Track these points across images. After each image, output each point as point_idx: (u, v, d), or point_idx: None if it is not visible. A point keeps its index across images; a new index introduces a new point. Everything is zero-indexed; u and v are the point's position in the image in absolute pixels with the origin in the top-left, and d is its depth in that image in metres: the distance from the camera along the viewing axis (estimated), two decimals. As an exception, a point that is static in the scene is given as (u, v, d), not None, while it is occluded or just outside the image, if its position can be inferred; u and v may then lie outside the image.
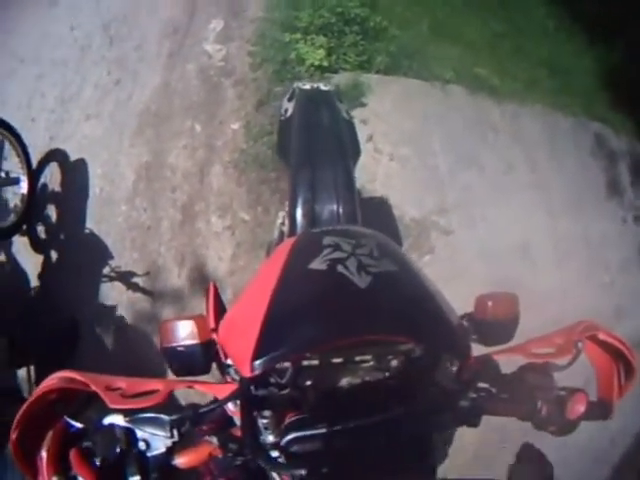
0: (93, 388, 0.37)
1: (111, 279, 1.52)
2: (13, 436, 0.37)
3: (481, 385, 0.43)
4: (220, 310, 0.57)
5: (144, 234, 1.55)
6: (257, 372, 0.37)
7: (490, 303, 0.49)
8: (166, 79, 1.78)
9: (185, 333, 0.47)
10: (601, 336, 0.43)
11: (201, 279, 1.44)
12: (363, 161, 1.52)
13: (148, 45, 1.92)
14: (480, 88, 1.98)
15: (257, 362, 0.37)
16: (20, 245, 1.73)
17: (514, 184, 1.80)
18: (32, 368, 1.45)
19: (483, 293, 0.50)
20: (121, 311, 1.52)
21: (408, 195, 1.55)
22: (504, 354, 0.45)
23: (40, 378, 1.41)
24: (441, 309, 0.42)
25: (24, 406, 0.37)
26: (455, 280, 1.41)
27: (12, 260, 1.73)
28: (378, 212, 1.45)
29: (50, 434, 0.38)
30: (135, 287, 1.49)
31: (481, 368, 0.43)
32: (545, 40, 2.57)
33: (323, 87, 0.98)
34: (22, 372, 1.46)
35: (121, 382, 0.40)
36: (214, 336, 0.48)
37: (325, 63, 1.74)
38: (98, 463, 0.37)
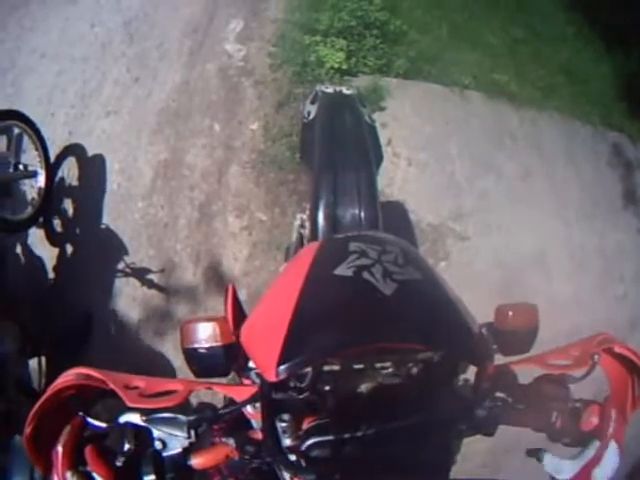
0: (111, 386, 0.37)
1: (126, 275, 1.53)
2: (27, 430, 0.37)
3: (498, 395, 0.43)
4: (238, 312, 0.57)
5: (161, 231, 1.55)
6: (282, 377, 0.37)
7: (510, 313, 0.49)
8: (186, 78, 1.79)
9: (207, 335, 0.46)
10: (617, 349, 0.43)
11: (216, 278, 1.44)
12: (382, 165, 1.52)
13: (169, 43, 1.93)
14: (499, 94, 1.97)
15: (282, 367, 0.37)
16: (37, 237, 1.75)
17: (531, 192, 1.78)
18: (43, 359, 1.46)
19: (504, 303, 0.50)
20: (135, 307, 1.53)
21: (425, 200, 1.54)
22: (521, 364, 0.45)
23: (51, 370, 1.42)
24: (462, 318, 0.42)
25: (39, 401, 0.37)
26: (470, 287, 1.40)
27: (28, 252, 1.75)
28: (395, 217, 1.44)
29: (67, 429, 0.38)
30: (150, 283, 1.50)
31: (498, 378, 0.43)
32: (564, 46, 2.54)
33: (346, 91, 0.98)
34: (33, 363, 1.47)
35: (139, 381, 0.39)
36: (235, 338, 0.48)
37: (345, 66, 1.74)
38: (114, 461, 0.37)
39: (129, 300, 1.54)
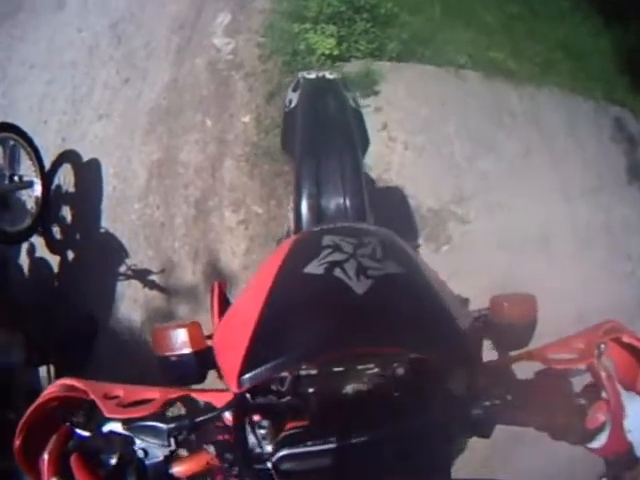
0: (92, 396, 0.37)
1: (127, 277, 1.53)
2: (17, 442, 0.37)
3: (495, 392, 0.39)
4: (225, 310, 0.54)
5: (158, 231, 1.55)
6: (245, 387, 0.35)
7: (506, 305, 0.46)
8: (175, 75, 1.77)
9: (178, 342, 0.45)
10: (625, 338, 0.39)
11: (215, 275, 1.43)
12: (378, 150, 1.49)
13: (156, 42, 1.91)
14: (495, 72, 1.92)
15: (244, 377, 0.35)
16: (40, 245, 1.75)
17: (533, 170, 1.74)
18: (52, 367, 1.46)
19: (499, 294, 0.47)
20: (137, 309, 1.53)
21: (424, 184, 1.51)
22: (520, 359, 0.42)
23: (59, 377, 1.42)
24: (448, 316, 0.39)
25: (26, 413, 0.38)
26: (473, 271, 1.37)
27: (31, 260, 1.75)
28: (394, 203, 1.42)
29: (54, 438, 0.38)
30: (151, 284, 1.49)
31: (495, 374, 0.41)
32: (561, 22, 2.47)
33: (329, 75, 0.93)
34: (42, 371, 1.47)
35: (119, 390, 0.39)
36: (209, 343, 0.46)
37: (336, 52, 1.71)
38: (98, 470, 0.37)
39: (131, 302, 1.54)
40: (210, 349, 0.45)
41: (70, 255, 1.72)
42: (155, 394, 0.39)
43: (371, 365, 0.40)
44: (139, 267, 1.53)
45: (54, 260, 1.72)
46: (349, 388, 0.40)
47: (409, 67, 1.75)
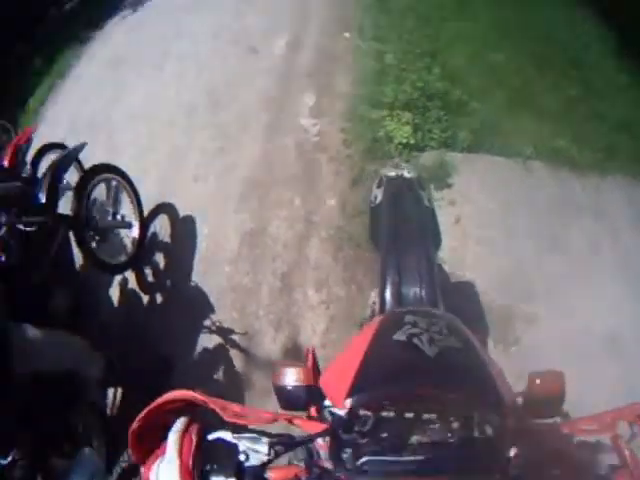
0: (212, 406, 0.47)
1: (211, 331, 1.66)
2: (135, 426, 0.48)
3: (530, 456, 0.48)
4: (316, 368, 0.71)
5: (244, 296, 1.67)
6: (349, 406, 0.50)
7: (538, 380, 0.58)
8: (266, 150, 1.97)
9: (294, 376, 0.61)
10: None
11: (294, 348, 1.52)
12: (452, 245, 1.58)
13: (247, 115, 2.14)
14: (560, 162, 1.98)
15: (349, 399, 0.50)
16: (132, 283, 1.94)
17: (600, 266, 1.75)
18: (119, 391, 1.58)
19: (534, 371, 0.59)
20: (214, 363, 1.62)
21: (495, 280, 1.56)
22: (553, 428, 0.52)
23: (124, 401, 1.55)
24: (491, 379, 0.53)
25: (145, 410, 0.48)
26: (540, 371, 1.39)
27: (127, 295, 1.93)
28: (466, 298, 1.48)
29: (193, 452, 0.45)
30: (232, 343, 1.60)
31: (530, 440, 0.50)
32: (619, 98, 2.48)
33: (407, 174, 1.14)
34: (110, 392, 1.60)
35: (235, 407, 0.50)
36: (315, 383, 0.61)
37: (412, 141, 1.86)
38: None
39: (209, 355, 1.64)
40: (315, 386, 0.60)
41: (158, 298, 1.90)
42: (265, 415, 0.51)
43: (434, 415, 0.52)
44: (223, 325, 1.67)
45: (144, 299, 1.90)
46: (414, 439, 0.51)
47: (479, 158, 1.85)
